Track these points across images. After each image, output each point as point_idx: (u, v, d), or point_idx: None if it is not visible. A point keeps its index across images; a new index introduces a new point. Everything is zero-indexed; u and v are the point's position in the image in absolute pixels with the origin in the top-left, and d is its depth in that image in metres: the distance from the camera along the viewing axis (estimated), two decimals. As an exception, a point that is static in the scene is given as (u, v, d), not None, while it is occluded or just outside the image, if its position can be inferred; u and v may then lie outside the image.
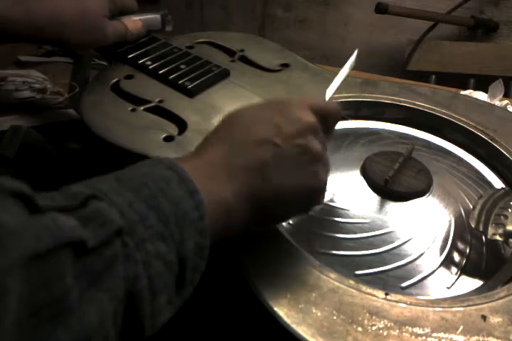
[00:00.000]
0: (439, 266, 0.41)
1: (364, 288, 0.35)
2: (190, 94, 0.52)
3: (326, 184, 0.36)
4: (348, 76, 0.45)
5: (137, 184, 0.27)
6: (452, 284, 0.39)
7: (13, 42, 0.54)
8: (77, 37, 0.52)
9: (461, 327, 0.33)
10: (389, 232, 0.42)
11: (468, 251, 0.42)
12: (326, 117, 0.37)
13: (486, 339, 0.32)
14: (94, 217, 0.24)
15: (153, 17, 0.60)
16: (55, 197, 0.25)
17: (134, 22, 0.57)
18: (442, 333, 0.32)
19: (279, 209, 0.34)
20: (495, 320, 0.33)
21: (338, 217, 0.43)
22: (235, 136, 0.33)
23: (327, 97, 0.41)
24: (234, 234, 0.32)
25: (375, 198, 0.45)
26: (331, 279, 0.35)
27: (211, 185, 0.30)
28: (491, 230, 0.40)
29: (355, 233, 0.42)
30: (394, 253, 0.41)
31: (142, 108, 0.50)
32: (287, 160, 0.33)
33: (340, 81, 0.43)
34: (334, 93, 0.42)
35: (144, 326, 0.25)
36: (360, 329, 0.32)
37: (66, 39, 0.51)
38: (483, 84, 0.73)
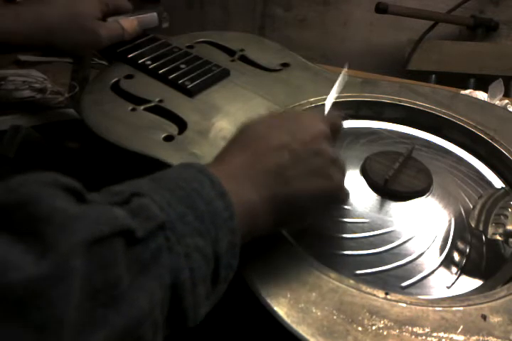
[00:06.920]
0: (439, 265, 0.41)
1: (364, 287, 0.35)
2: (190, 93, 0.52)
3: (342, 186, 0.37)
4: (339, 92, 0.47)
5: (172, 184, 0.28)
6: (452, 284, 0.39)
7: (3, 54, 0.52)
8: (67, 41, 0.52)
9: (461, 326, 0.33)
10: (389, 232, 0.42)
11: (468, 250, 0.42)
12: (332, 128, 0.39)
13: (485, 338, 0.32)
14: (139, 211, 0.25)
15: (150, 15, 0.61)
16: (98, 195, 0.26)
17: (130, 21, 0.57)
18: (442, 333, 0.32)
19: (299, 211, 0.35)
20: (495, 319, 0.33)
21: (338, 217, 0.43)
22: (253, 144, 0.35)
23: (326, 112, 0.44)
24: (259, 235, 0.34)
25: (375, 198, 0.45)
26: (331, 279, 0.35)
27: (237, 188, 0.31)
28: (491, 230, 0.40)
29: (355, 233, 0.42)
30: (394, 253, 0.41)
31: (142, 107, 0.50)
32: (303, 164, 0.35)
33: (333, 97, 0.46)
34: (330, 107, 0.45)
35: (188, 316, 0.27)
36: (360, 328, 0.32)
37: (57, 44, 0.51)
38: (483, 84, 0.73)
